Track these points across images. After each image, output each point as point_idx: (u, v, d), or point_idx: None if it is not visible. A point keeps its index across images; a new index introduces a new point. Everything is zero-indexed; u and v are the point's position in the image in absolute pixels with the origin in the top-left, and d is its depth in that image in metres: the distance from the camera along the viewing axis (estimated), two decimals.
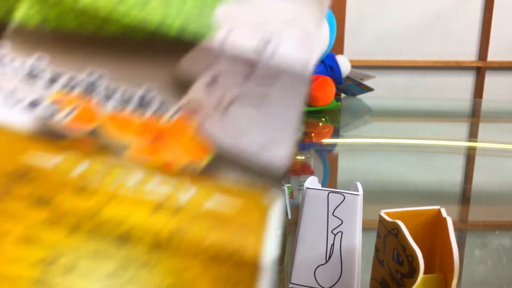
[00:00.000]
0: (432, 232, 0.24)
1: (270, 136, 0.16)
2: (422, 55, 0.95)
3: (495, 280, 0.30)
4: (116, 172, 0.15)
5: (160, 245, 0.15)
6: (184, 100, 0.17)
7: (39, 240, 0.15)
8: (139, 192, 0.15)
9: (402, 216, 0.24)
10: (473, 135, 0.71)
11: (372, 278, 0.26)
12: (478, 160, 0.58)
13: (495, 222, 0.42)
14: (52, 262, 0.14)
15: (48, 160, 0.15)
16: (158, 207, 0.15)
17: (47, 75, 0.17)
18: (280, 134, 0.16)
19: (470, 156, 0.60)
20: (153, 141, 0.16)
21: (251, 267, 0.15)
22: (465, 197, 0.46)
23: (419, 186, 0.47)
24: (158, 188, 0.15)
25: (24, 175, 0.15)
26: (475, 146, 0.63)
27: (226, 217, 0.15)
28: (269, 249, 0.15)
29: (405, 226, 0.22)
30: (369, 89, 0.88)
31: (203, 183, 0.16)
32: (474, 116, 0.80)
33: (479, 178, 0.51)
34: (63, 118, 0.16)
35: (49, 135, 0.16)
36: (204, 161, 0.16)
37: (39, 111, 0.16)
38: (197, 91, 0.17)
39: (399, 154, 0.57)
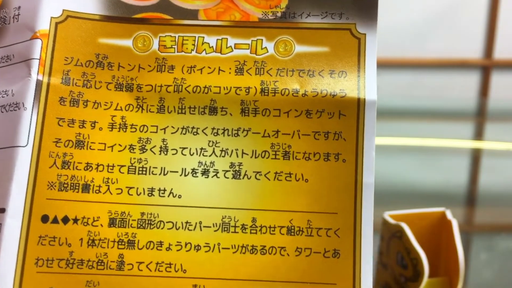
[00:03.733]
0: (436, 234, 0.24)
1: None
2: (426, 53, 0.94)
3: (502, 284, 0.30)
4: (192, 39, 0.15)
5: (248, 110, 0.15)
6: None
7: (129, 124, 0.15)
8: (219, 56, 0.15)
9: (406, 219, 0.23)
10: (479, 135, 0.70)
11: (375, 282, 0.25)
12: (484, 161, 0.57)
13: (502, 224, 0.42)
14: (146, 143, 0.15)
15: (124, 40, 0.15)
16: (241, 68, 0.15)
17: None
18: None
19: (475, 157, 0.60)
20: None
21: (352, 104, 0.14)
22: (470, 199, 0.45)
23: (423, 187, 0.47)
24: (237, 47, 0.15)
25: (104, 59, 0.15)
26: (481, 147, 0.63)
27: (317, 59, 0.15)
28: (369, 90, 0.14)
29: (409, 229, 0.22)
30: None
31: (284, 31, 0.15)
32: (480, 115, 0.80)
33: (485, 180, 0.50)
34: None
35: (121, 16, 0.15)
36: (282, 4, 0.15)
37: None
38: None
39: (402, 155, 0.56)
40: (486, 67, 0.93)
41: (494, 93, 0.97)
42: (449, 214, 0.24)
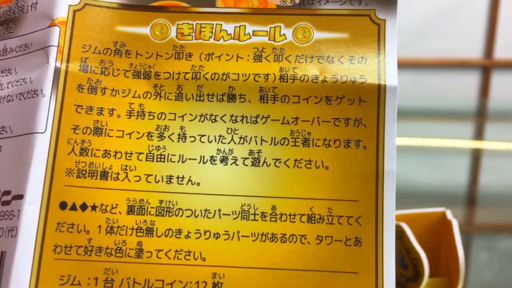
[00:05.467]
0: (437, 235, 0.24)
1: None
2: (426, 53, 0.94)
3: (502, 284, 0.30)
4: (209, 26, 0.15)
5: (267, 97, 0.14)
6: None
7: (147, 111, 0.15)
8: (237, 44, 0.15)
9: (407, 219, 0.23)
10: (479, 135, 0.70)
11: None
12: (484, 161, 0.57)
13: (502, 224, 0.41)
14: (164, 130, 0.14)
15: (142, 28, 0.15)
16: (259, 55, 0.15)
17: None
18: None
19: (476, 157, 0.59)
20: None
21: (372, 90, 0.14)
22: (471, 199, 0.45)
23: (423, 187, 0.47)
24: (256, 34, 0.15)
25: (122, 47, 0.15)
26: (481, 147, 0.63)
27: (336, 46, 0.15)
28: (390, 75, 0.14)
29: (410, 229, 0.22)
30: None
31: (303, 18, 0.15)
32: (480, 115, 0.79)
33: (485, 180, 0.50)
34: None
35: (138, 4, 0.15)
36: None
37: None
38: None
39: (403, 155, 0.56)
40: (486, 67, 0.93)
41: (494, 93, 0.97)
42: (449, 214, 0.23)
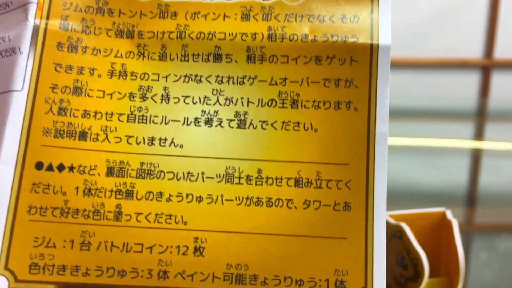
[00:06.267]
0: (437, 235, 0.24)
1: None
2: (426, 53, 0.94)
3: (502, 284, 0.30)
4: None
5: (255, 57, 0.14)
6: None
7: (129, 71, 0.14)
8: (224, 2, 0.14)
9: (407, 219, 0.23)
10: (479, 135, 0.70)
11: None
12: (484, 161, 0.57)
13: (502, 224, 0.41)
14: (147, 91, 0.14)
15: None
16: (247, 14, 0.14)
17: None
18: None
19: (476, 157, 0.59)
20: None
21: (364, 50, 0.14)
22: (471, 199, 0.45)
23: (423, 187, 0.47)
24: None
25: (104, 5, 0.15)
26: (481, 147, 0.62)
27: (327, 4, 0.14)
28: (383, 35, 0.14)
29: (410, 229, 0.22)
30: None
31: None
32: (480, 115, 0.79)
33: (485, 180, 0.50)
34: None
35: None
36: None
37: None
38: None
39: (403, 155, 0.56)
40: (486, 67, 0.93)
41: (494, 93, 0.97)
42: (449, 214, 0.23)
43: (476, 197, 0.46)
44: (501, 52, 0.94)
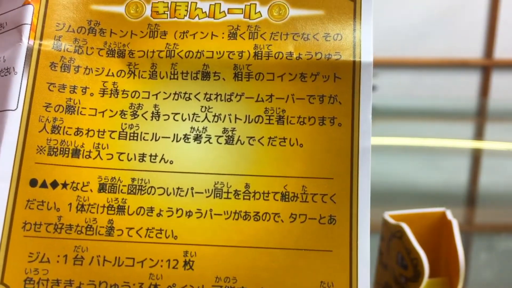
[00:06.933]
0: (437, 235, 0.24)
1: None
2: (426, 53, 0.94)
3: (502, 284, 0.30)
4: (184, 4, 0.15)
5: (242, 75, 0.14)
6: None
7: (120, 89, 0.15)
8: (212, 22, 0.15)
9: (407, 219, 0.23)
10: (479, 135, 0.70)
11: (375, 282, 0.25)
12: (484, 161, 0.57)
13: (502, 224, 0.41)
14: (137, 109, 0.14)
15: (116, 7, 0.15)
16: (234, 33, 0.15)
17: None
18: None
19: (476, 157, 0.59)
20: None
21: (347, 67, 0.14)
22: (471, 199, 0.45)
23: (424, 187, 0.47)
24: (231, 12, 0.15)
25: (96, 25, 0.15)
26: (481, 147, 0.62)
27: (311, 23, 0.15)
28: (365, 52, 0.14)
29: (410, 229, 0.21)
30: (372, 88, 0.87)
31: None
32: (480, 115, 0.79)
33: (485, 180, 0.50)
34: None
35: None
36: None
37: None
38: None
39: (403, 155, 0.56)
40: (486, 67, 0.93)
41: (494, 93, 0.97)
42: (449, 214, 0.23)
43: (476, 197, 0.46)
44: (501, 52, 0.94)
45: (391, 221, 0.23)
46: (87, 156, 0.14)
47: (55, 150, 0.14)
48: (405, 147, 0.59)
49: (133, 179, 0.14)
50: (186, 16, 0.15)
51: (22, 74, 0.14)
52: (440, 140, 0.63)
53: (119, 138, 0.14)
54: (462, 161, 0.58)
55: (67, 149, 0.14)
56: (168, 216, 0.14)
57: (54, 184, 0.14)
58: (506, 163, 0.57)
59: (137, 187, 0.14)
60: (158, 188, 0.14)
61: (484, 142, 0.64)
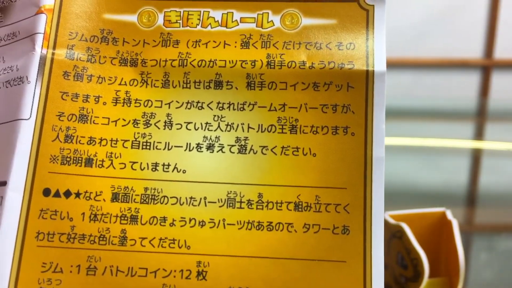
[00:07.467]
0: (437, 235, 0.24)
1: None
2: (426, 53, 0.94)
3: (502, 284, 0.30)
4: (197, 13, 0.15)
5: (254, 84, 0.14)
6: None
7: (133, 98, 0.15)
8: (224, 30, 0.15)
9: (407, 219, 0.23)
10: (479, 135, 0.70)
11: None
12: (484, 161, 0.57)
13: (502, 224, 0.41)
14: (150, 118, 0.14)
15: (129, 16, 0.15)
16: (246, 42, 0.15)
17: None
18: None
19: (476, 157, 0.59)
20: None
21: (360, 76, 0.14)
22: (471, 199, 0.45)
23: (424, 187, 0.47)
24: (243, 21, 0.15)
25: (109, 34, 0.15)
26: (481, 147, 0.62)
27: (324, 32, 0.15)
28: (378, 61, 0.14)
29: (410, 229, 0.21)
30: None
31: (290, 4, 0.15)
32: (480, 115, 0.79)
33: (485, 180, 0.50)
34: None
35: None
36: None
37: None
38: None
39: (403, 155, 0.56)
40: (486, 67, 0.93)
41: (494, 93, 0.97)
42: (449, 214, 0.23)
43: (476, 197, 0.46)
44: (501, 52, 0.94)
45: (391, 221, 0.23)
46: (100, 165, 0.14)
47: (68, 159, 0.14)
48: (405, 147, 0.59)
49: (146, 189, 0.14)
50: (198, 25, 0.15)
51: (36, 83, 0.14)
52: (440, 140, 0.63)
53: (132, 147, 0.14)
54: (462, 161, 0.58)
55: (80, 158, 0.14)
56: (181, 226, 0.14)
57: (67, 194, 0.14)
58: (506, 163, 0.57)
59: (150, 197, 0.14)
60: (171, 197, 0.14)
61: (484, 142, 0.64)
